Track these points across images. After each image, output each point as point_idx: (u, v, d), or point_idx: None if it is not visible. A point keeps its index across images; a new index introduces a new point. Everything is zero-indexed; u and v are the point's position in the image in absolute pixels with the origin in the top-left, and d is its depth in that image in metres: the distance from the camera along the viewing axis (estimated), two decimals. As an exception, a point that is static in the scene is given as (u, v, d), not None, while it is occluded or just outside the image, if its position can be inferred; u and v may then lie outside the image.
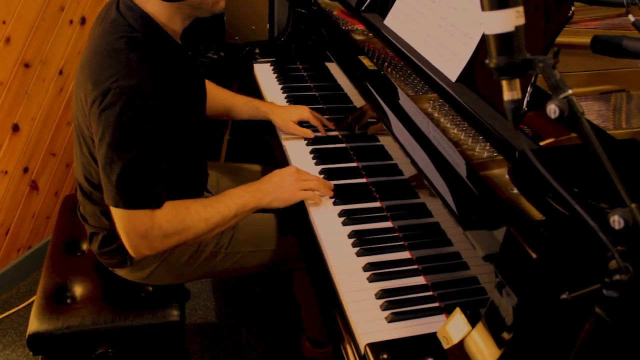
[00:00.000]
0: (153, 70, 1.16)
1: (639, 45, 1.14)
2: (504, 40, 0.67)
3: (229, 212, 1.33)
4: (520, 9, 0.66)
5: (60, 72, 2.26)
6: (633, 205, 0.63)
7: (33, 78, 2.15)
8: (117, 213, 1.23)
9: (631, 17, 1.04)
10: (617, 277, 0.65)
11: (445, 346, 0.93)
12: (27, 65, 2.11)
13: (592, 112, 1.35)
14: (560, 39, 1.42)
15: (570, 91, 0.64)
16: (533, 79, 1.07)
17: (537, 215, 0.85)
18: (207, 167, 1.53)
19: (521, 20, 0.67)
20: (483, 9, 0.67)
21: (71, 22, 2.25)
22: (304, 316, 1.82)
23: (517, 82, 0.70)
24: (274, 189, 1.38)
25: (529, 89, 1.07)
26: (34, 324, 1.39)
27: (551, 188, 0.65)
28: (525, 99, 1.06)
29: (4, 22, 1.98)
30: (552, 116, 0.64)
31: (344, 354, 1.08)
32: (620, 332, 0.71)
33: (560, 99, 0.64)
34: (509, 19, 0.66)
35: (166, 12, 1.22)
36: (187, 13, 1.25)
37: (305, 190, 1.38)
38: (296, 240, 1.50)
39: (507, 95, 0.70)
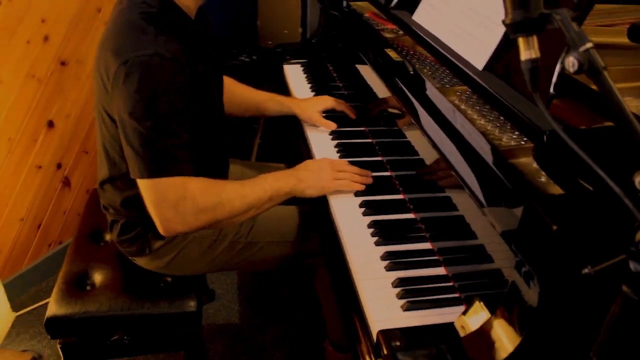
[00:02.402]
0: (169, 42, 1.16)
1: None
2: (520, -8, 0.63)
3: (265, 194, 1.30)
4: (538, -40, 0.63)
5: (96, 72, 2.31)
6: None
7: (69, 76, 2.21)
8: (144, 185, 1.20)
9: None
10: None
11: (462, 335, 0.87)
12: (63, 64, 2.16)
13: (631, 107, 1.28)
14: (603, 39, 1.38)
15: (590, 44, 0.60)
16: (563, 54, 1.01)
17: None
18: (227, 155, 1.52)
19: (538, -29, 0.63)
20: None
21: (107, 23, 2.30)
22: (327, 317, 1.78)
23: (535, 40, 0.66)
24: (310, 177, 1.34)
25: (557, 66, 1.01)
26: (53, 308, 1.39)
27: (575, 163, 0.60)
28: (553, 79, 1.01)
29: (43, 21, 2.03)
30: (571, 70, 0.60)
31: (360, 353, 1.03)
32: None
33: (580, 51, 0.59)
34: (525, -31, 0.62)
35: None
36: None
37: (340, 181, 1.34)
38: (317, 233, 1.47)
39: (524, 55, 0.66)
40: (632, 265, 0.62)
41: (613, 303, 0.67)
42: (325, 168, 1.35)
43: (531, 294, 0.77)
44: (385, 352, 0.86)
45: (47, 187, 2.24)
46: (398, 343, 0.88)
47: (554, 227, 0.68)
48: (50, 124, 2.18)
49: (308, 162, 1.40)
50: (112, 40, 1.19)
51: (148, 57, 1.12)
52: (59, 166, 2.27)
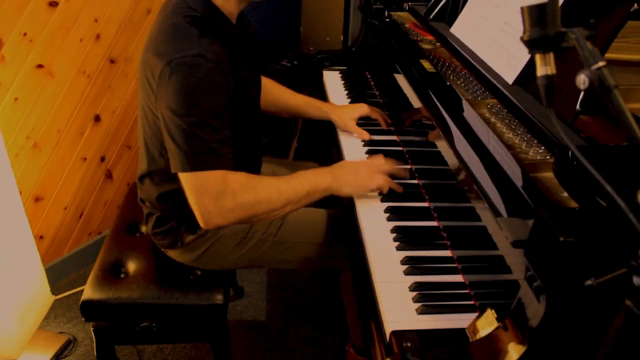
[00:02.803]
0: (212, 45, 1.22)
1: None
2: (537, 11, 0.66)
3: (302, 189, 1.33)
4: (556, -20, 0.65)
5: (143, 70, 2.40)
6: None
7: (117, 73, 2.31)
8: (186, 178, 1.25)
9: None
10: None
11: (472, 340, 0.90)
12: (112, 61, 2.27)
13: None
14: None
15: (602, 63, 0.62)
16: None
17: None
18: (260, 154, 1.57)
19: (556, -8, 0.65)
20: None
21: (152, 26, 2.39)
22: (349, 321, 1.81)
23: (552, 56, 0.68)
24: (347, 175, 1.38)
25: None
26: (88, 292, 1.47)
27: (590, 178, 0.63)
28: (580, 96, 1.02)
29: (95, 21, 2.14)
30: (582, 87, 0.62)
31: (374, 356, 1.06)
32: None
33: (592, 70, 0.62)
34: (543, -10, 0.65)
35: None
36: None
37: (376, 182, 1.37)
38: (344, 237, 1.51)
39: (540, 71, 0.69)
40: (635, 280, 0.64)
41: (616, 316, 0.69)
42: (364, 168, 1.39)
43: (538, 306, 0.79)
44: (396, 350, 0.89)
45: (90, 178, 2.35)
46: (409, 344, 0.91)
47: (561, 238, 0.70)
48: (97, 118, 2.28)
49: (344, 161, 1.44)
50: (158, 42, 1.25)
51: (191, 57, 1.19)
52: (102, 159, 2.38)
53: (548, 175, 1.06)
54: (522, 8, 0.67)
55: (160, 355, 2.02)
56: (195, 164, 1.23)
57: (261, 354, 2.04)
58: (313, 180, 1.35)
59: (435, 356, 0.86)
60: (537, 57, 0.68)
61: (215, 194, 1.24)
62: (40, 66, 1.98)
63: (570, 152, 0.98)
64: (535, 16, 0.66)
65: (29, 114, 2.00)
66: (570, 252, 0.70)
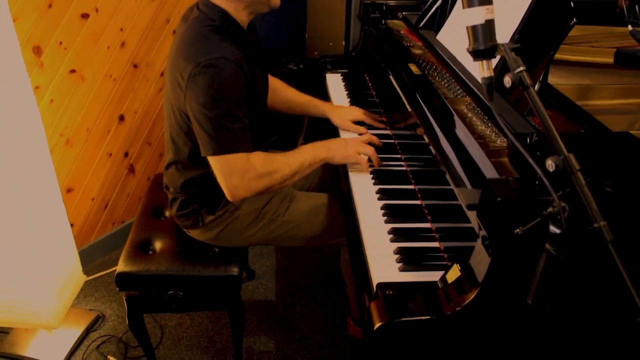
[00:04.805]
0: (231, 47, 1.47)
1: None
2: (477, 30, 0.89)
3: (305, 161, 1.63)
4: (491, 6, 0.88)
5: (162, 74, 2.64)
6: (569, 155, 0.82)
7: (139, 77, 2.55)
8: (215, 161, 1.51)
9: (629, 27, 1.20)
10: (555, 213, 0.83)
11: (440, 287, 1.13)
12: (135, 66, 2.51)
13: (622, 121, 1.50)
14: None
15: (522, 68, 0.84)
16: (541, 76, 1.26)
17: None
18: (265, 142, 1.81)
19: (490, 15, 0.88)
20: (463, 7, 0.89)
21: (174, 32, 2.63)
22: (349, 294, 2.04)
23: (490, 62, 0.91)
24: (338, 147, 1.69)
25: (536, 85, 1.26)
26: (122, 266, 1.71)
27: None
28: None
29: (121, 29, 2.38)
30: (507, 86, 0.85)
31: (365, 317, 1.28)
32: (566, 265, 0.89)
33: (515, 73, 0.85)
34: (480, 14, 0.88)
35: (234, 7, 1.53)
36: (250, 8, 1.56)
37: (361, 156, 1.67)
38: (343, 218, 1.73)
39: (482, 74, 0.92)
40: (551, 227, 0.86)
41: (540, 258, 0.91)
42: (352, 142, 1.71)
43: (487, 258, 1.02)
44: (380, 296, 1.12)
45: (115, 172, 2.59)
46: (391, 292, 1.14)
47: (499, 198, 0.93)
48: (121, 118, 2.52)
49: (337, 138, 1.75)
50: (185, 48, 1.49)
51: (215, 59, 1.43)
52: (126, 154, 2.62)
53: (506, 159, 1.29)
54: (467, 27, 0.90)
55: (180, 329, 2.26)
56: (223, 149, 1.49)
57: (270, 327, 2.27)
58: (313, 154, 1.66)
59: (409, 298, 1.08)
60: (480, 63, 0.91)
61: (242, 173, 1.52)
62: (72, 71, 2.22)
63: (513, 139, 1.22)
64: (476, 33, 0.89)
65: (63, 113, 2.24)
66: (505, 209, 0.93)
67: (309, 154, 1.65)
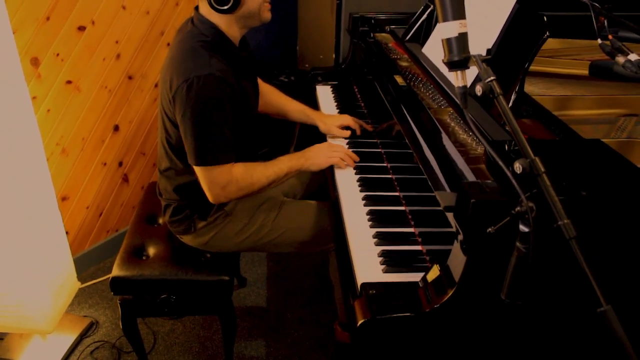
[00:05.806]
0: (220, 63, 1.53)
1: (625, 70, 1.36)
2: (451, 42, 0.95)
3: (282, 172, 1.73)
4: (464, 21, 0.95)
5: (156, 85, 2.70)
6: (535, 158, 0.88)
7: (134, 88, 2.60)
8: (199, 171, 1.61)
9: (599, 41, 1.27)
10: (524, 213, 0.89)
11: (421, 286, 1.18)
12: (130, 77, 2.57)
13: (599, 130, 1.57)
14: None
15: (492, 77, 0.91)
16: (517, 86, 1.32)
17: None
18: (257, 149, 1.88)
19: (464, 29, 0.95)
20: (438, 20, 0.96)
21: (168, 44, 2.70)
22: (337, 299, 2.08)
23: (464, 73, 0.97)
24: (312, 156, 1.80)
25: (513, 95, 1.32)
26: (116, 271, 1.75)
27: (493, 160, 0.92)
28: (509, 103, 1.31)
29: (117, 42, 2.44)
30: (478, 94, 0.91)
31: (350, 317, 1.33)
32: (535, 262, 0.95)
33: (485, 82, 0.91)
34: (454, 28, 0.94)
35: (226, 22, 1.60)
36: (242, 23, 1.62)
37: (333, 157, 1.79)
38: (331, 224, 1.79)
39: (457, 83, 0.98)
40: (520, 226, 0.92)
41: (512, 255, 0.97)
42: (323, 149, 1.82)
43: (463, 257, 1.08)
44: (363, 295, 1.18)
45: (109, 181, 2.64)
46: (374, 291, 1.19)
47: (472, 200, 0.99)
48: (116, 128, 2.57)
49: (313, 146, 1.84)
50: (176, 62, 1.55)
51: (204, 76, 1.49)
52: (120, 164, 2.67)
53: (484, 166, 1.35)
54: (442, 40, 0.97)
55: (172, 335, 2.30)
56: (207, 161, 1.56)
57: (262, 334, 2.32)
58: (289, 164, 1.76)
59: (391, 297, 1.14)
60: (454, 73, 0.97)
61: (224, 184, 1.60)
62: (69, 82, 2.28)
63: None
64: (450, 46, 0.96)
65: (59, 123, 2.30)
66: (478, 210, 0.99)
67: (285, 165, 1.74)
